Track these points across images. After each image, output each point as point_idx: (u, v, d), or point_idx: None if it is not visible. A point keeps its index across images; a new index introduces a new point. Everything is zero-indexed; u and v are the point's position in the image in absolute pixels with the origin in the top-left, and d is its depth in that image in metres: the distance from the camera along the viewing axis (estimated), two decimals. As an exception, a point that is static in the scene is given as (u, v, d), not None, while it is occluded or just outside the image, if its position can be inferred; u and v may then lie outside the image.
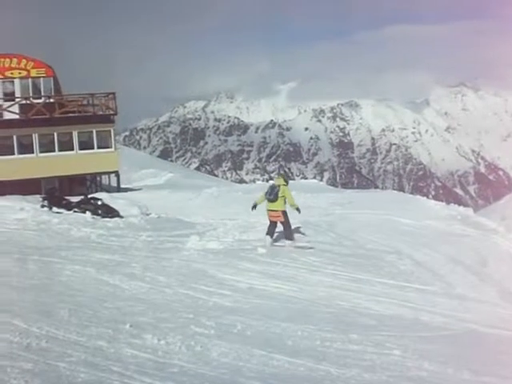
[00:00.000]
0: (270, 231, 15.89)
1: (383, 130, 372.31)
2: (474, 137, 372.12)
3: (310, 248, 15.48)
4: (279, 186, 15.78)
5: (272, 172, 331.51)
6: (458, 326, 10.34)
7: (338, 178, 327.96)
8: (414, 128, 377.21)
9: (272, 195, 15.80)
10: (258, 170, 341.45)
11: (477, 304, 12.66)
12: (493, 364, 8.21)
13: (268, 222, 15.97)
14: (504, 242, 19.13)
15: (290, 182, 16.88)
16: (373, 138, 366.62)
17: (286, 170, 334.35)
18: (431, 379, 6.96)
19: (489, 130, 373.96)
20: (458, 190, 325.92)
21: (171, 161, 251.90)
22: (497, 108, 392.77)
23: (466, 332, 10.02)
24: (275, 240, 15.98)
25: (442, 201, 30.45)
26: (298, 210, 15.67)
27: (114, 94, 36.02)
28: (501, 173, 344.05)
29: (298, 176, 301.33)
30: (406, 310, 10.95)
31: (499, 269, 16.15)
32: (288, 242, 15.69)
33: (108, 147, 35.11)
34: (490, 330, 10.48)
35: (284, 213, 15.73)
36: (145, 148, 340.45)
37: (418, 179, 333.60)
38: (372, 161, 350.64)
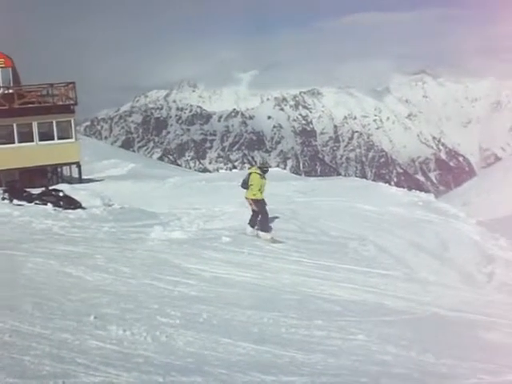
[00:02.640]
0: (251, 220, 15.78)
1: (345, 118, 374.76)
2: (435, 124, 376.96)
3: (281, 242, 15.16)
4: (250, 173, 15.67)
5: (235, 161, 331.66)
6: (420, 309, 10.52)
7: (301, 165, 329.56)
8: (375, 115, 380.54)
9: (242, 182, 15.77)
10: (221, 159, 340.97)
11: (439, 288, 12.88)
12: (455, 346, 8.38)
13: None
14: (465, 227, 19.45)
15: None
16: (335, 126, 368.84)
17: (250, 158, 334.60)
18: (395, 362, 7.07)
19: (449, 117, 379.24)
20: (420, 177, 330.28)
21: (133, 151, 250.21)
22: (457, 95, 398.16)
23: (428, 315, 10.20)
24: (257, 230, 15.66)
25: (404, 187, 30.79)
26: (256, 200, 15.51)
27: (73, 83, 35.51)
28: (461, 159, 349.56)
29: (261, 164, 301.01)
30: (369, 295, 11.09)
31: (460, 253, 16.43)
32: (262, 234, 15.44)
33: (69, 138, 34.64)
34: (452, 313, 10.68)
35: (255, 201, 15.55)
36: (106, 138, 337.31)
37: (379, 166, 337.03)
38: (334, 148, 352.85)
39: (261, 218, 15.65)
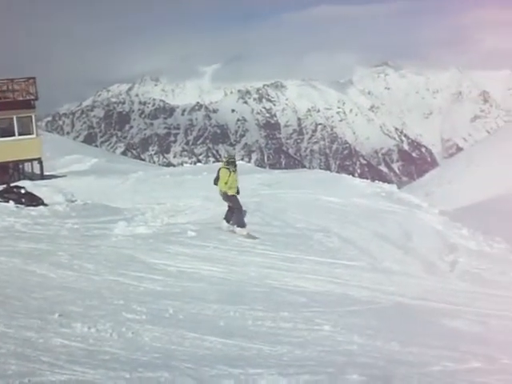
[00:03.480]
0: (226, 215, 15.69)
1: (309, 111, 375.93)
2: (397, 115, 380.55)
3: (257, 238, 15.05)
4: (219, 169, 15.59)
5: (200, 155, 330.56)
6: (384, 299, 10.65)
7: (265, 158, 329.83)
8: (338, 108, 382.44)
9: (214, 179, 15.70)
10: (185, 153, 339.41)
11: (402, 277, 13.05)
12: (419, 334, 8.50)
13: None
14: (427, 217, 19.71)
15: (218, 164, 16.71)
16: (299, 119, 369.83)
17: (214, 152, 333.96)
18: (361, 352, 7.14)
19: (411, 109, 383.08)
20: (383, 168, 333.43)
21: (96, 146, 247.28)
22: (419, 86, 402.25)
23: (392, 304, 10.33)
24: (232, 225, 15.56)
25: (368, 178, 31.08)
26: (228, 195, 15.46)
27: (34, 78, 35.00)
28: (423, 150, 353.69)
29: (225, 158, 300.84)
30: (334, 285, 11.19)
31: (423, 243, 16.64)
32: (238, 229, 15.34)
33: (30, 133, 34.14)
34: (416, 301, 10.85)
35: (227, 197, 15.46)
36: (68, 133, 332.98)
37: (343, 158, 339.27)
38: (299, 141, 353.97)
39: (235, 213, 15.56)
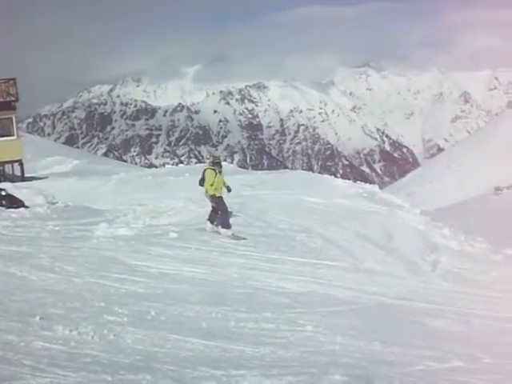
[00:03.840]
0: (210, 216, 15.58)
1: (291, 111, 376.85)
2: (379, 116, 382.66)
3: (244, 239, 14.98)
4: (204, 170, 15.47)
5: (182, 156, 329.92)
6: (367, 299, 10.69)
7: (248, 159, 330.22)
8: (320, 108, 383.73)
9: (199, 180, 15.58)
10: (167, 154, 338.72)
11: (384, 277, 13.09)
12: (401, 334, 8.54)
13: None
14: (409, 217, 19.79)
15: (200, 165, 16.61)
16: (281, 120, 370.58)
17: (196, 153, 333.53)
18: (344, 352, 7.16)
19: (392, 109, 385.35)
20: (365, 168, 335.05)
21: (77, 147, 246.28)
22: (400, 87, 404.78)
23: (375, 305, 10.37)
24: (216, 226, 15.46)
25: (350, 179, 31.16)
26: (213, 196, 15.32)
27: (14, 79, 34.75)
28: (405, 150, 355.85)
29: (208, 159, 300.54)
30: (317, 286, 11.20)
31: (405, 243, 16.70)
32: (223, 230, 15.20)
33: (10, 135, 33.90)
34: (398, 301, 10.90)
35: (213, 198, 15.33)
36: (49, 135, 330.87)
37: (325, 159, 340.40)
38: (281, 142, 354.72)
39: (220, 214, 15.44)
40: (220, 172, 15.47)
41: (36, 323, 7.15)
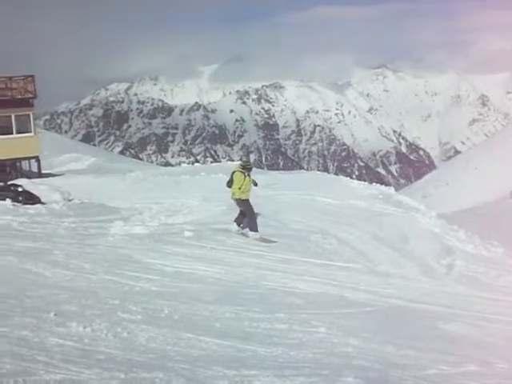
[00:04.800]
0: (237, 218, 15.58)
1: (307, 112, 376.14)
2: (396, 117, 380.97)
3: (275, 242, 14.98)
4: (233, 172, 15.41)
5: (198, 155, 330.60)
6: (381, 301, 10.64)
7: (263, 159, 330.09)
8: (337, 109, 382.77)
9: (227, 181, 15.52)
10: (183, 153, 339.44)
11: (399, 280, 13.04)
12: (415, 337, 8.49)
13: None
14: (425, 220, 19.71)
15: (216, 164, 16.65)
16: (297, 120, 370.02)
17: (212, 152, 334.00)
18: (356, 354, 7.13)
19: (409, 111, 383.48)
20: (381, 170, 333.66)
21: (94, 145, 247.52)
22: (417, 89, 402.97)
23: (388, 307, 10.32)
24: (243, 228, 15.49)
25: (365, 180, 31.07)
26: (240, 200, 15.31)
27: (32, 76, 35.00)
28: (421, 152, 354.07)
29: (223, 158, 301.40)
30: (331, 287, 11.17)
31: (420, 245, 16.64)
32: (251, 233, 15.19)
33: (28, 132, 34.15)
34: (412, 304, 10.84)
35: (240, 201, 15.33)
36: (66, 132, 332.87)
37: (341, 160, 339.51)
38: (297, 142, 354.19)
39: (247, 217, 15.40)
40: (249, 176, 15.43)
41: (50, 319, 7.18)
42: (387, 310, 10.11)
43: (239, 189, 15.20)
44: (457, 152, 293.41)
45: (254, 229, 15.27)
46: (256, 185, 15.66)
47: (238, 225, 15.53)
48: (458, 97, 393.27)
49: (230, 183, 15.40)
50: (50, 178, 31.34)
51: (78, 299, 8.31)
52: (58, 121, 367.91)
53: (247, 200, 15.42)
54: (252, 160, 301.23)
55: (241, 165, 15.74)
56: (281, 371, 6.04)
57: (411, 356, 7.34)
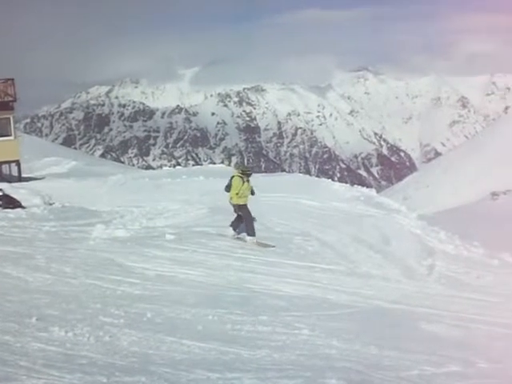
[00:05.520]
0: (233, 223, 15.50)
1: (289, 114, 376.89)
2: (377, 120, 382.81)
3: (273, 246, 14.94)
4: (232, 177, 15.32)
5: (179, 158, 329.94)
6: (363, 303, 10.68)
7: (245, 162, 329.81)
8: (318, 112, 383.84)
9: (225, 186, 15.40)
10: (165, 156, 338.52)
11: (380, 281, 13.09)
12: (397, 338, 8.54)
13: None
14: (406, 221, 19.79)
15: (197, 167, 16.59)
16: (279, 122, 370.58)
17: (194, 155, 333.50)
18: (339, 356, 7.15)
19: (390, 113, 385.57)
20: (362, 172, 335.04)
21: (75, 148, 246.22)
22: (398, 92, 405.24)
23: (371, 309, 10.36)
24: (238, 233, 15.43)
25: (347, 182, 31.20)
26: (238, 205, 15.23)
27: (12, 79, 34.76)
28: (402, 154, 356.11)
29: (205, 161, 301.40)
30: (313, 289, 11.20)
31: (401, 247, 16.71)
32: (248, 238, 15.10)
33: (8, 135, 33.90)
34: (394, 305, 10.89)
35: (238, 206, 15.21)
36: (47, 135, 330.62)
37: (323, 162, 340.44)
38: (278, 145, 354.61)
39: (245, 222, 15.30)
40: (248, 181, 15.36)
41: (32, 324, 7.14)
42: (369, 312, 10.15)
43: (237, 194, 15.13)
44: (437, 154, 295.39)
45: (252, 233, 15.18)
46: (253, 193, 15.57)
47: (234, 229, 15.47)
48: (439, 99, 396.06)
49: (228, 188, 15.32)
50: (31, 182, 31.09)
51: (59, 304, 8.27)
52: (39, 124, 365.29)
53: (245, 205, 15.31)
54: (234, 162, 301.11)
55: (240, 171, 15.54)
56: (264, 373, 6.04)
57: (393, 357, 7.38)
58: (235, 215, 15.55)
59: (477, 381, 6.72)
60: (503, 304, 12.25)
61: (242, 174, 15.39)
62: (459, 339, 8.95)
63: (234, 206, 15.37)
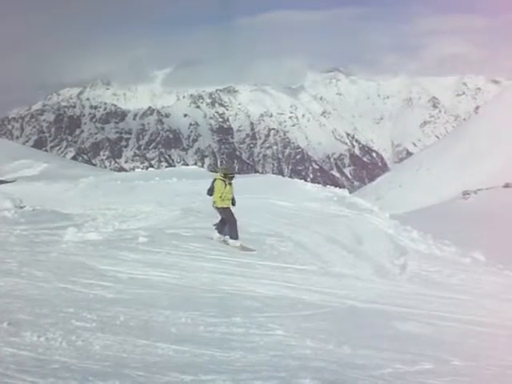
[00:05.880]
0: (217, 226, 15.44)
1: (262, 115, 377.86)
2: (349, 120, 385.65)
3: (254, 250, 14.91)
4: (214, 180, 15.23)
5: (152, 159, 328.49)
6: (336, 302, 10.74)
7: (218, 163, 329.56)
8: (291, 113, 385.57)
9: (208, 190, 15.35)
10: (137, 158, 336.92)
11: (353, 281, 13.18)
12: (371, 337, 8.60)
13: None
14: (378, 221, 19.95)
15: (170, 169, 16.55)
16: (252, 124, 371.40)
17: (167, 156, 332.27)
18: (314, 356, 7.18)
19: (362, 114, 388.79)
20: (335, 172, 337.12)
21: (46, 150, 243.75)
22: (370, 92, 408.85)
23: (344, 308, 10.42)
24: (224, 236, 15.38)
25: (320, 183, 31.32)
26: (217, 208, 15.19)
27: (-19, 82, 34.36)
28: (374, 155, 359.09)
29: (178, 162, 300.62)
30: (287, 290, 11.23)
31: (373, 246, 16.84)
32: (231, 241, 15.08)
33: (-23, 138, 33.45)
34: (367, 304, 10.96)
35: (220, 209, 15.17)
36: (17, 138, 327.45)
37: (296, 163, 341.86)
38: (251, 146, 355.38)
39: (228, 225, 15.27)
40: (230, 184, 15.31)
41: (4, 329, 7.05)
42: (343, 311, 10.21)
43: (220, 197, 15.08)
44: (409, 154, 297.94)
45: (235, 237, 15.17)
46: (234, 204, 15.49)
47: (220, 232, 15.42)
48: (410, 99, 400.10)
49: (210, 191, 15.27)
50: (1, 186, 30.68)
51: (31, 308, 8.17)
52: (9, 126, 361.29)
53: (228, 208, 15.28)
54: (207, 164, 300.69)
55: (222, 173, 15.44)
56: (238, 375, 6.05)
57: (367, 356, 7.42)
58: (219, 218, 15.53)
59: (450, 378, 6.79)
60: (475, 302, 12.42)
61: (223, 176, 15.32)
62: (432, 337, 9.04)
63: (217, 209, 15.34)
